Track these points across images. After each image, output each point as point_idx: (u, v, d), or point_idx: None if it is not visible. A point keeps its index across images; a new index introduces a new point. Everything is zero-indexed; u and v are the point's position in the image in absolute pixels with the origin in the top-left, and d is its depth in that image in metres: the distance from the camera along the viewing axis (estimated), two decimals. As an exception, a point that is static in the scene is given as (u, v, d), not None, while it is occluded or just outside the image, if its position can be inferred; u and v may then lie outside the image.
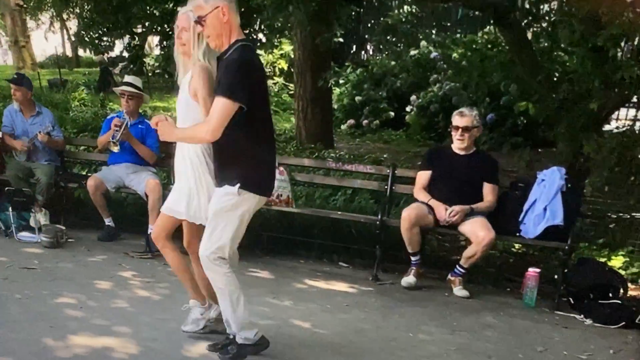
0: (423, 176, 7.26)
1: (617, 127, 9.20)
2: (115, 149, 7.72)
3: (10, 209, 8.05)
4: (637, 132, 8.44)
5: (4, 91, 15.92)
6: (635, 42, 7.87)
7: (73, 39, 28.35)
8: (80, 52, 33.32)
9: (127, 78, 8.40)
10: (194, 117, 4.70)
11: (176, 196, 4.89)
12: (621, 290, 6.74)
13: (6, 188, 8.20)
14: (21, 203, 8.09)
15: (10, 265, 6.92)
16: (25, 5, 22.09)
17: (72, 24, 31.63)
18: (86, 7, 14.07)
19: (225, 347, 4.85)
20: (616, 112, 10.97)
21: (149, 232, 7.38)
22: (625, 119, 11.77)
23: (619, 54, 8.03)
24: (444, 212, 6.87)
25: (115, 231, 8.16)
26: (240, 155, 4.44)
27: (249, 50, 4.43)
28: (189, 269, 5.17)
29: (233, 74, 4.26)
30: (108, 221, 8.15)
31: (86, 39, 19.14)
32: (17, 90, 8.55)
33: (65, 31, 37.06)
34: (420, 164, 7.68)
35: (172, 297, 6.08)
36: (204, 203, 4.76)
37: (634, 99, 10.79)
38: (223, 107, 4.25)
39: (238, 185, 4.42)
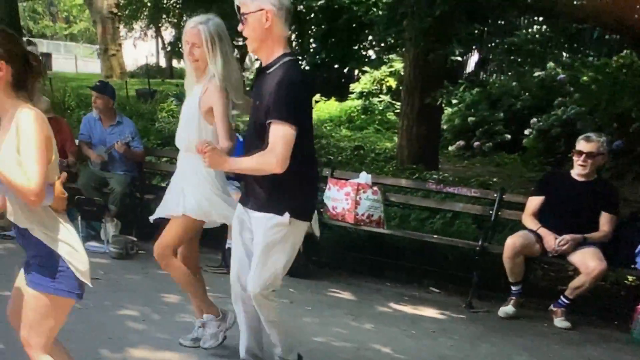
0: (534, 202, 7.29)
1: None
2: None
3: (79, 218, 8.32)
4: None
5: (87, 99, 16.53)
6: None
7: (168, 49, 29.19)
8: (175, 63, 34.26)
9: None
10: (200, 134, 4.98)
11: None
12: None
13: (76, 197, 8.44)
14: (91, 212, 8.37)
15: None
16: (119, 14, 22.93)
17: (167, 34, 32.59)
18: (184, 16, 14.56)
19: None
20: None
21: (226, 247, 7.60)
22: None
23: None
24: (553, 242, 6.90)
25: (192, 244, 8.31)
26: (290, 181, 4.35)
27: (299, 66, 4.44)
28: (198, 284, 5.50)
29: (291, 97, 4.23)
30: None
31: (181, 49, 19.55)
32: (99, 97, 8.90)
33: (160, 40, 38.15)
34: (533, 188, 7.71)
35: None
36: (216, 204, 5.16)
37: None
38: (286, 134, 4.19)
39: (288, 215, 4.40)
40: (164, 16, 22.64)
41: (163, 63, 38.72)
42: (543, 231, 7.02)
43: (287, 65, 4.28)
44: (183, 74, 6.84)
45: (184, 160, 5.22)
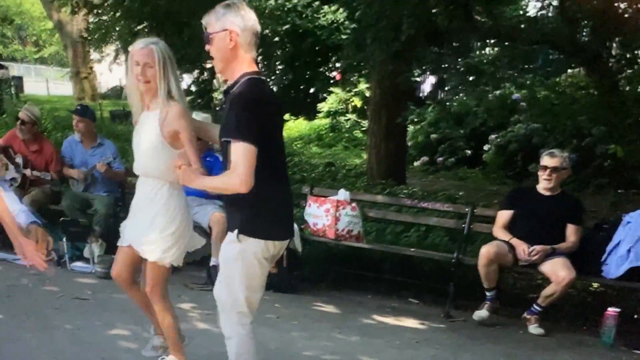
0: (504, 215, 7.29)
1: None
2: None
3: (64, 239, 8.13)
4: None
5: (63, 122, 16.23)
6: None
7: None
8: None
9: (195, 116, 8.36)
10: (165, 159, 4.61)
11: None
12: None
13: (61, 218, 8.29)
14: (76, 233, 8.17)
15: (61, 295, 6.97)
16: (89, 38, 22.63)
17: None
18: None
19: None
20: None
21: (211, 265, 7.45)
22: None
23: None
24: (525, 252, 6.89)
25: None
26: (242, 199, 4.09)
27: (257, 84, 4.14)
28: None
29: (241, 116, 3.99)
30: None
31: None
32: (80, 121, 8.68)
33: (130, 63, 38.00)
34: (502, 203, 7.72)
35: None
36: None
37: None
38: (246, 152, 3.93)
39: (236, 231, 4.14)
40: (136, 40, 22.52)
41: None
42: (515, 241, 7.00)
43: (244, 84, 4.08)
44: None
45: (142, 187, 4.84)
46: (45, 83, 42.37)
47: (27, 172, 8.58)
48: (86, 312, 6.47)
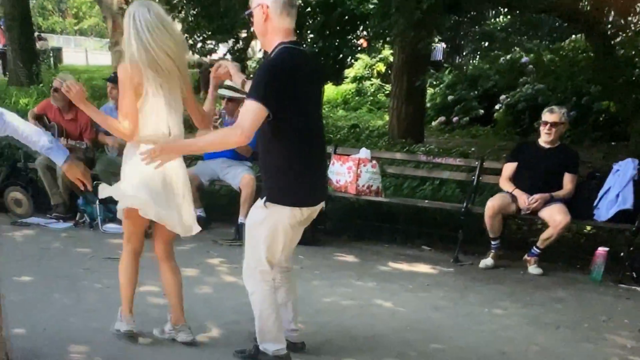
0: (509, 167, 7.43)
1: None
2: None
3: (97, 202, 7.99)
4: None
5: (101, 90, 16.14)
6: None
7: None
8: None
9: (228, 82, 8.30)
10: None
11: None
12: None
13: (95, 182, 8.23)
14: (109, 196, 8.16)
15: (92, 256, 6.90)
16: (128, 9, 22.79)
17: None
18: (192, 11, 14.32)
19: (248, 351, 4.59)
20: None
21: (239, 222, 7.53)
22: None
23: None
24: (526, 201, 7.03)
25: (206, 221, 7.76)
26: (271, 167, 4.11)
27: (287, 52, 4.00)
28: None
29: (261, 77, 3.94)
30: (199, 211, 7.66)
31: (190, 41, 19.48)
32: (114, 88, 8.36)
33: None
34: (507, 156, 7.86)
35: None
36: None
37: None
38: (252, 109, 3.86)
39: (264, 198, 4.12)
40: (174, 11, 22.52)
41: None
42: (517, 192, 7.15)
43: (275, 52, 4.01)
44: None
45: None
46: (85, 53, 41.06)
47: (63, 141, 8.26)
48: (116, 271, 6.04)
